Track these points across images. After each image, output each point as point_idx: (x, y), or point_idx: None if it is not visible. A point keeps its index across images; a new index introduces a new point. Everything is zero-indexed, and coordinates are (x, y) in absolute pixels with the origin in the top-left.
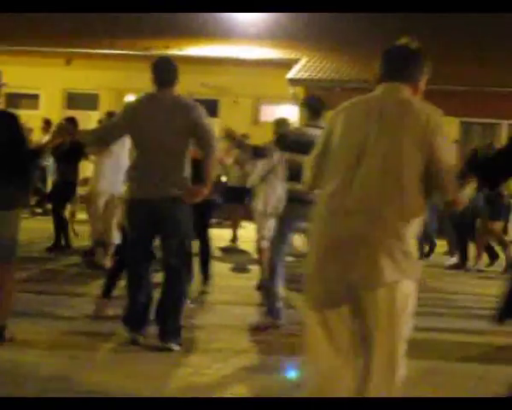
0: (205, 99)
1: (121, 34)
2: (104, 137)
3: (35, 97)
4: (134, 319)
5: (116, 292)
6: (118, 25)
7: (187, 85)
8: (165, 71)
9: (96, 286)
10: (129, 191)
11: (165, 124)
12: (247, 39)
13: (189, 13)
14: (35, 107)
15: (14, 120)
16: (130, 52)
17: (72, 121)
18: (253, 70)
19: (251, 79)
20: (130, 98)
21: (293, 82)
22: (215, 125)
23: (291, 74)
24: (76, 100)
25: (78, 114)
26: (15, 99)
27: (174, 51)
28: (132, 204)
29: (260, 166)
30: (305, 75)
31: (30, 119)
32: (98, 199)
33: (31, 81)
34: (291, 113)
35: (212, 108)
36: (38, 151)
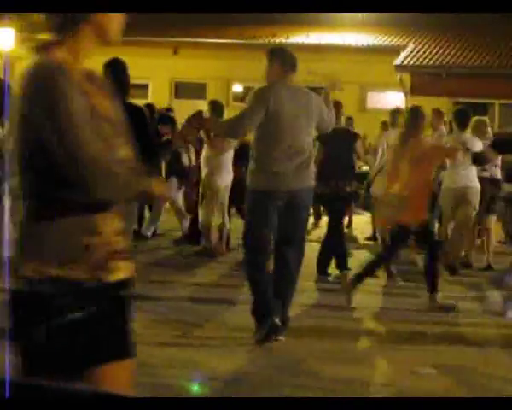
0: (311, 86)
1: (228, 23)
2: (246, 126)
3: (144, 87)
4: (265, 306)
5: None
6: (224, 13)
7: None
8: (293, 57)
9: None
10: (262, 181)
11: (301, 111)
12: (353, 26)
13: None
14: (144, 96)
15: (143, 113)
16: (237, 41)
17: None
18: (359, 57)
19: (357, 65)
20: (238, 88)
21: (400, 68)
22: None
23: (398, 61)
24: (183, 89)
25: (186, 104)
26: None
27: (281, 39)
28: (266, 194)
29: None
30: (411, 61)
31: None
32: (219, 192)
33: (140, 71)
34: (397, 100)
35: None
36: (169, 144)
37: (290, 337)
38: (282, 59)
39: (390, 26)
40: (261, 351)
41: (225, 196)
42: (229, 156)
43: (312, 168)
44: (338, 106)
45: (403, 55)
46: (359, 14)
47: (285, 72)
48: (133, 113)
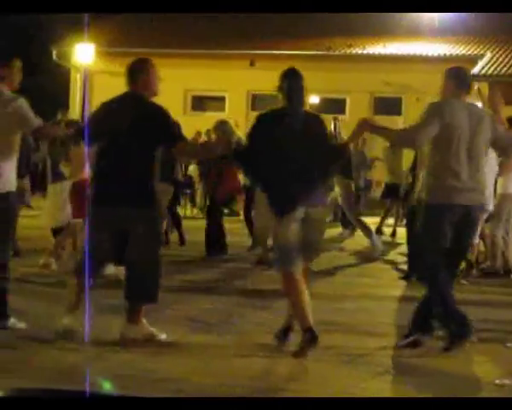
0: (388, 97)
1: (304, 34)
2: (421, 137)
3: (221, 99)
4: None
5: None
6: (300, 25)
7: (370, 84)
8: (467, 76)
9: None
10: (439, 196)
11: (475, 127)
12: (429, 36)
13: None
14: (221, 109)
15: (321, 121)
16: (314, 52)
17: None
18: (436, 67)
19: (434, 75)
20: (314, 99)
21: (478, 78)
22: (398, 123)
23: (475, 70)
24: (260, 101)
25: None
26: (203, 102)
27: (357, 50)
28: (443, 208)
29: None
30: (489, 70)
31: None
32: None
33: (217, 83)
34: None
35: (395, 105)
36: (343, 149)
37: None
38: (458, 78)
39: (467, 36)
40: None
41: None
42: None
43: (484, 186)
44: None
45: (480, 64)
46: (436, 24)
47: (459, 90)
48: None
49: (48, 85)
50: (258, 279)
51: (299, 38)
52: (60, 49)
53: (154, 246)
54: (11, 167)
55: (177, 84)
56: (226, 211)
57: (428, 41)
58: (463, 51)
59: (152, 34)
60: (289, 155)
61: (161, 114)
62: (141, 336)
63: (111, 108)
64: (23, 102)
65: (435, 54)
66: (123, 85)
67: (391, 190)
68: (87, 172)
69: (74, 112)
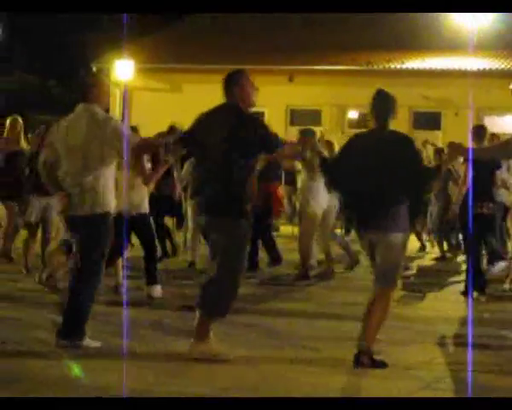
0: (427, 111)
1: (342, 50)
2: None
3: (260, 115)
4: None
5: None
6: (338, 40)
7: (409, 98)
8: None
9: None
10: None
11: None
12: (467, 51)
13: (410, 26)
14: None
15: (410, 142)
16: (352, 67)
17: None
18: (475, 81)
19: (473, 90)
20: (353, 114)
21: None
22: (437, 138)
23: None
24: (299, 116)
25: None
26: None
27: (396, 65)
28: None
29: None
30: None
31: None
32: (317, 218)
33: (256, 99)
34: None
35: (433, 120)
36: (435, 172)
37: None
38: None
39: (506, 50)
40: None
41: (328, 220)
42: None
43: None
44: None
45: None
46: (475, 38)
47: None
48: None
49: None
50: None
51: (337, 54)
52: (100, 66)
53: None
54: (111, 188)
55: (217, 99)
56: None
57: (467, 55)
58: (502, 66)
59: (190, 50)
60: (372, 175)
61: (259, 124)
62: (207, 356)
63: (208, 119)
64: (118, 121)
65: (474, 68)
66: (161, 101)
67: None
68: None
69: None
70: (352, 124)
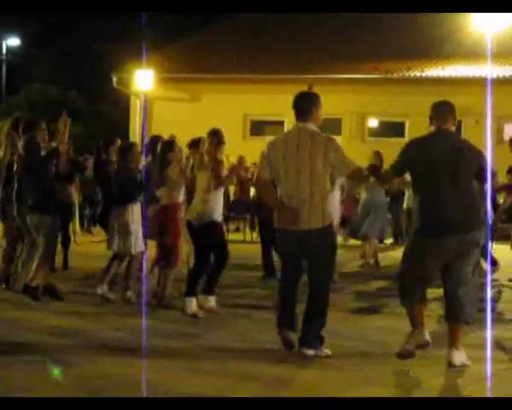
0: None
1: (362, 58)
2: None
3: (280, 124)
4: None
5: None
6: (357, 47)
7: (429, 107)
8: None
9: None
10: None
11: None
12: (486, 58)
13: (429, 34)
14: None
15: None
16: (372, 76)
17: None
18: (495, 89)
19: (493, 97)
20: (373, 122)
21: None
22: None
23: None
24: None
25: None
26: (262, 126)
27: (416, 73)
28: None
29: None
30: None
31: None
32: None
33: (276, 108)
34: None
35: (455, 128)
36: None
37: None
38: None
39: None
40: None
41: None
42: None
43: None
44: None
45: None
46: (494, 45)
47: None
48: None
49: (109, 112)
50: None
51: (356, 62)
52: (120, 76)
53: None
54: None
55: (237, 109)
56: None
57: (486, 63)
58: None
59: (209, 59)
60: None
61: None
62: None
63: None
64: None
65: (494, 76)
66: (181, 110)
67: None
68: (181, 196)
69: (134, 137)
70: (372, 132)
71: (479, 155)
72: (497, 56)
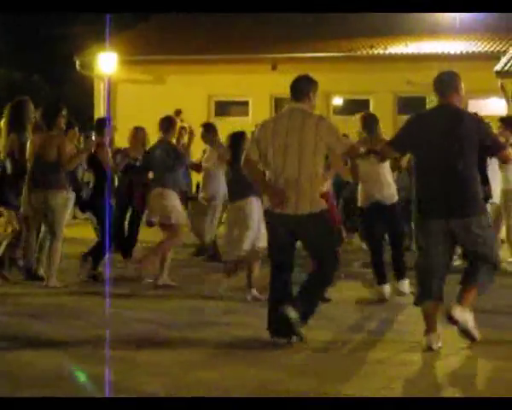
0: (411, 96)
1: (325, 37)
2: None
3: (245, 104)
4: None
5: None
6: (321, 27)
7: (393, 84)
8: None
9: None
10: None
11: None
12: (450, 34)
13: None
14: (245, 113)
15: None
16: (335, 54)
17: None
18: (458, 65)
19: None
20: (338, 101)
21: (501, 74)
22: None
23: (498, 66)
24: (284, 105)
25: None
26: (226, 107)
27: (379, 50)
28: None
29: None
30: None
31: (241, 125)
32: None
33: (240, 88)
34: (499, 106)
35: (418, 105)
36: None
37: None
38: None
39: (488, 32)
40: None
41: None
42: None
43: None
44: None
45: (503, 60)
46: (457, 22)
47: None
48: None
49: (72, 95)
50: None
51: (320, 41)
52: (83, 59)
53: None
54: None
55: (201, 89)
56: None
57: (450, 39)
58: (486, 48)
59: (173, 41)
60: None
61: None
62: None
63: (426, 120)
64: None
65: (457, 52)
66: (145, 93)
67: None
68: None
69: None
70: (337, 110)
71: (479, 124)
72: (459, 32)
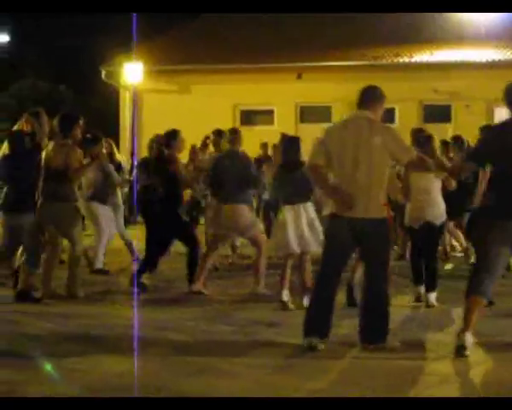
0: (437, 104)
1: (350, 45)
2: None
3: (270, 113)
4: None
5: None
6: (346, 36)
7: (419, 92)
8: None
9: None
10: None
11: None
12: (477, 42)
13: (417, 19)
14: (270, 122)
15: None
16: (360, 62)
17: None
18: (485, 72)
19: (483, 81)
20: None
21: None
22: (448, 131)
23: None
24: (308, 113)
25: (311, 128)
26: (252, 116)
27: (404, 59)
28: None
29: None
30: None
31: (266, 134)
32: None
33: (265, 97)
34: None
35: (444, 113)
36: None
37: None
38: None
39: None
40: None
41: None
42: None
43: None
44: None
45: None
46: (482, 30)
47: None
48: None
49: (98, 105)
50: None
51: (344, 50)
52: (108, 69)
53: None
54: None
55: (226, 99)
56: None
57: (476, 47)
58: (511, 56)
59: (198, 51)
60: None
61: None
62: None
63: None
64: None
65: (483, 59)
66: (171, 103)
67: None
68: None
69: (125, 131)
70: None
71: None
72: (485, 40)
